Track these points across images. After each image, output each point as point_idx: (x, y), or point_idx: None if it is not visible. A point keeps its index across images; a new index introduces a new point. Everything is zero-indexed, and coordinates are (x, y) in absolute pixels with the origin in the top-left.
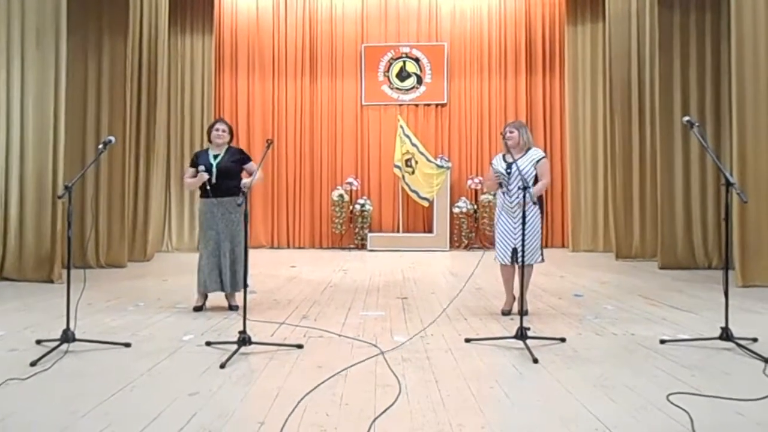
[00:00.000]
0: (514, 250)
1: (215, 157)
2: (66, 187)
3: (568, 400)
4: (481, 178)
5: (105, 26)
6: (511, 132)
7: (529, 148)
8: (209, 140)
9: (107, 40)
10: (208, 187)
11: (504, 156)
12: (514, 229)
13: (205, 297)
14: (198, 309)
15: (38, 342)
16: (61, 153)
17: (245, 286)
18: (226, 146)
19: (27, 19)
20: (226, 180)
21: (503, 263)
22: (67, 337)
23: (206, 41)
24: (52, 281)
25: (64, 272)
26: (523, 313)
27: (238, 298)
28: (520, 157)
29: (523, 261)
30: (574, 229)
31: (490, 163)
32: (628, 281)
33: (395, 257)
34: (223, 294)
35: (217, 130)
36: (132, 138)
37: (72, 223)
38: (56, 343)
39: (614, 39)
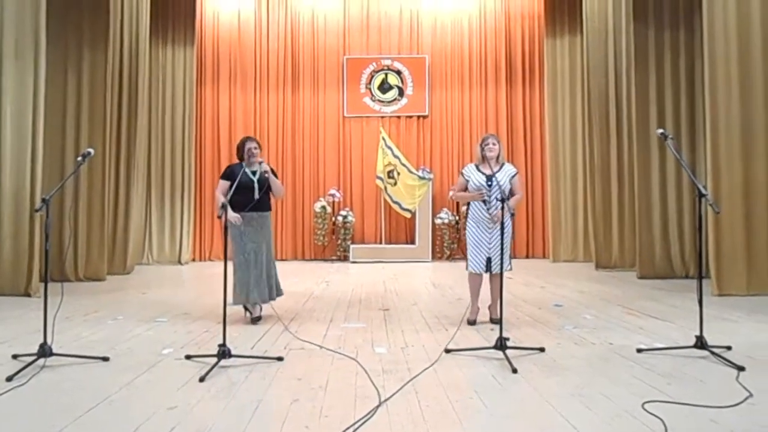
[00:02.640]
0: (489, 260)
1: (254, 173)
2: (43, 200)
3: (546, 409)
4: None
5: (85, 38)
6: (494, 144)
7: (503, 163)
8: (239, 158)
9: (87, 51)
10: (254, 199)
11: (478, 167)
12: (490, 239)
13: (261, 307)
14: (257, 320)
15: (15, 357)
16: (39, 166)
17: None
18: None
19: (5, 31)
20: (265, 195)
21: (478, 272)
22: (44, 351)
23: (188, 53)
24: (29, 295)
25: (42, 286)
26: (499, 321)
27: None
28: (498, 171)
29: (501, 270)
30: (554, 239)
31: (461, 173)
32: (607, 291)
33: (377, 269)
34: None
35: (250, 149)
36: (112, 150)
37: (50, 236)
38: (33, 357)
39: (592, 53)
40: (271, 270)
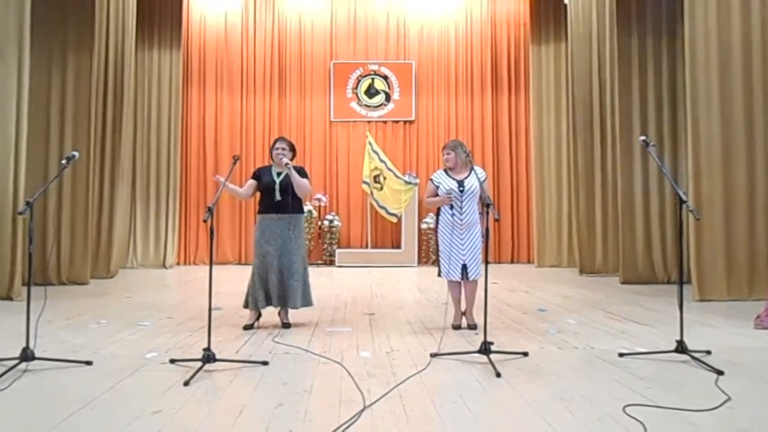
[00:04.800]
0: (464, 266)
1: (278, 174)
2: (27, 203)
3: (529, 413)
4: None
5: (70, 40)
6: (448, 154)
7: (472, 167)
8: (272, 159)
9: (72, 54)
10: (274, 201)
11: (448, 173)
12: (463, 245)
13: (259, 315)
14: (248, 327)
15: None
16: (22, 168)
17: (309, 303)
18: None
19: None
20: (288, 197)
21: (454, 279)
22: (27, 355)
23: (174, 56)
24: (11, 298)
25: (24, 289)
26: (473, 326)
27: (291, 315)
28: (468, 176)
29: (486, 274)
30: (539, 245)
31: (430, 179)
32: (591, 296)
33: (363, 273)
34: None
35: (278, 149)
36: (97, 153)
37: (33, 240)
38: (15, 361)
39: (576, 60)
40: (290, 277)
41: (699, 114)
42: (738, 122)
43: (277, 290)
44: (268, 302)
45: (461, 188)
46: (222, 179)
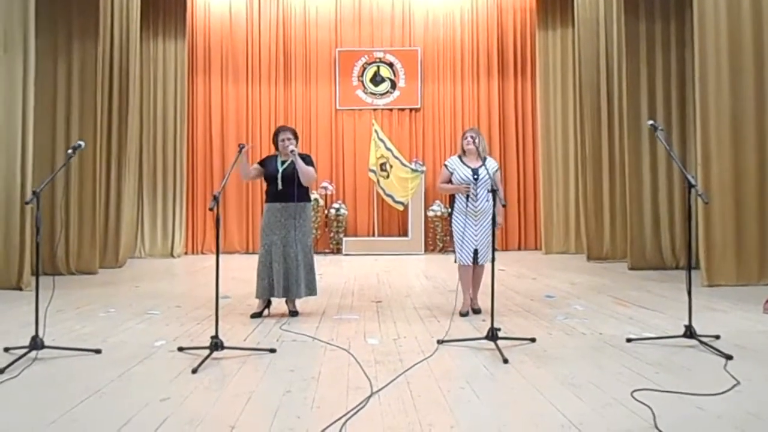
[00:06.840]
0: (476, 251)
1: (282, 163)
2: (34, 193)
3: (537, 398)
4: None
5: (75, 29)
6: (472, 137)
7: (485, 157)
8: (276, 149)
9: (77, 43)
10: (277, 190)
11: (462, 160)
12: (476, 231)
13: (268, 304)
14: (256, 315)
15: (6, 350)
16: (29, 158)
17: (313, 293)
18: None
19: None
20: (292, 186)
21: (466, 264)
22: (36, 344)
23: (179, 45)
24: (20, 289)
25: (34, 279)
26: (478, 311)
27: (298, 303)
28: (482, 165)
29: (493, 260)
30: (546, 231)
31: (444, 164)
32: (599, 282)
33: (370, 261)
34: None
35: (283, 140)
36: (103, 142)
37: (40, 230)
38: (25, 350)
39: (583, 45)
40: (295, 266)
41: (708, 98)
42: (748, 105)
43: (281, 280)
44: (271, 292)
45: (476, 176)
46: (245, 148)
